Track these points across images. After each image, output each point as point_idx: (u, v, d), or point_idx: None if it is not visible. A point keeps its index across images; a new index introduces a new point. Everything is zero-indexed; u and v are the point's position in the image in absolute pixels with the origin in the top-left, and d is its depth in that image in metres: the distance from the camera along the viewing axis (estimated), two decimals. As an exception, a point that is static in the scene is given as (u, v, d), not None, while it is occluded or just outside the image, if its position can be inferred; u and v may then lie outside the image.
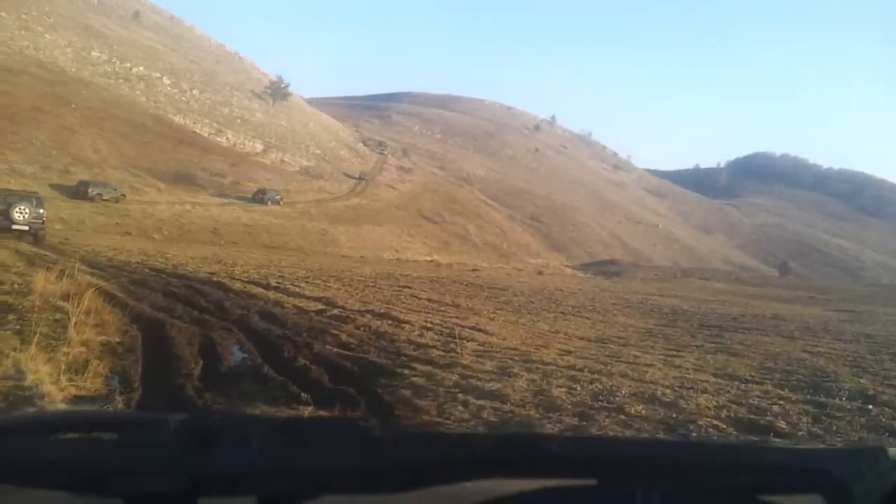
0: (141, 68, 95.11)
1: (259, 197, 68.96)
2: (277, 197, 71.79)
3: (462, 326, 13.05)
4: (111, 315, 10.17)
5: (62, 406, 5.74)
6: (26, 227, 24.85)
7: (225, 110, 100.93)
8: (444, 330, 12.33)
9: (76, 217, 45.85)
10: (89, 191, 51.67)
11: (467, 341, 11.20)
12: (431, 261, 58.14)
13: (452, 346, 10.55)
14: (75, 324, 8.20)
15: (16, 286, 11.67)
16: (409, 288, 22.61)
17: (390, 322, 12.95)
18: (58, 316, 9.16)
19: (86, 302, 9.29)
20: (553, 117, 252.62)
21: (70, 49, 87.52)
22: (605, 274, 78.28)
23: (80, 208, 48.06)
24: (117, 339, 8.60)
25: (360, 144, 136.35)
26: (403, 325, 12.69)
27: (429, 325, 12.88)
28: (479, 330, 13.08)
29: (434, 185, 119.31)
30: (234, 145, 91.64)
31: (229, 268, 24.19)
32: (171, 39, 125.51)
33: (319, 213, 73.59)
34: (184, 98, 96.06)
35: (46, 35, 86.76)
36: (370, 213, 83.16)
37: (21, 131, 58.73)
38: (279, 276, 22.06)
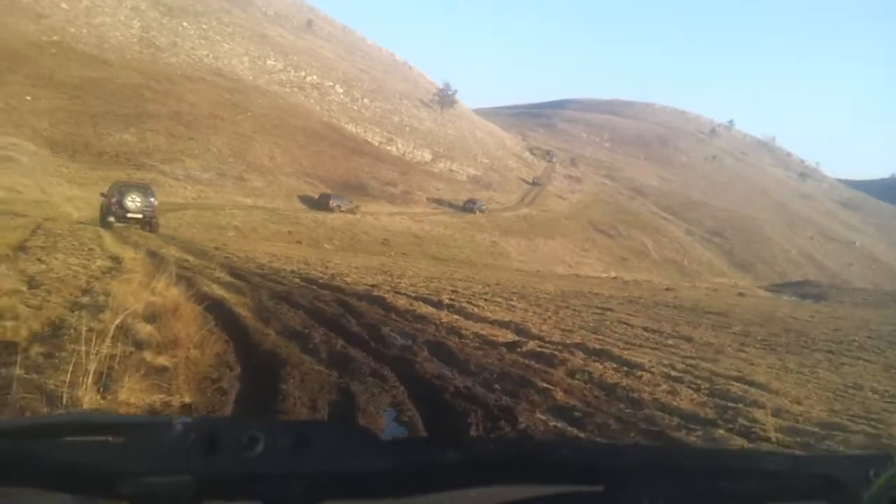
0: (315, 77, 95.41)
1: (469, 206, 67.65)
2: (484, 206, 70.82)
3: (720, 376, 9.00)
4: (205, 349, 6.84)
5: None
6: (140, 216, 25.96)
7: (395, 119, 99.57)
8: (699, 383, 8.31)
9: (249, 224, 44.22)
10: (330, 202, 56.38)
11: (750, 407, 7.15)
12: (615, 277, 51.98)
13: (739, 419, 6.70)
14: (138, 364, 5.39)
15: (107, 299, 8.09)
16: (611, 311, 18.06)
17: (614, 365, 9.07)
18: (130, 348, 6.03)
19: (179, 324, 6.80)
20: (731, 121, 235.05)
21: (247, 58, 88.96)
22: (802, 296, 68.70)
23: (252, 216, 46.22)
24: (188, 397, 5.29)
25: (527, 153, 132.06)
26: (635, 370, 8.78)
27: (672, 373, 8.87)
28: (749, 382, 8.71)
29: (605, 196, 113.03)
30: (404, 154, 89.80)
31: (395, 280, 20.92)
32: (344, 48, 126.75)
33: (489, 224, 69.55)
34: (355, 107, 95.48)
35: (225, 44, 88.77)
36: (541, 225, 78.41)
37: (199, 138, 58.67)
38: (452, 292, 18.30)
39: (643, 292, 34.95)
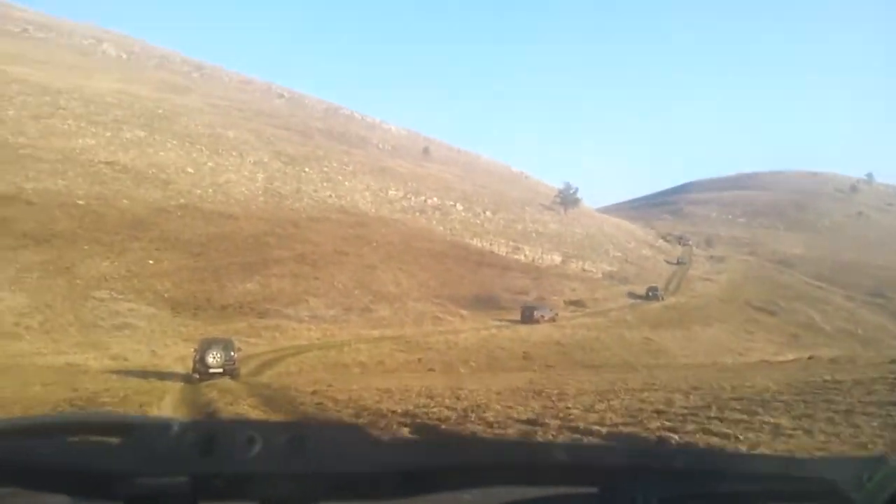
0: (435, 199, 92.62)
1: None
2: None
3: None
4: None
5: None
6: (220, 370, 26.37)
7: (519, 227, 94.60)
8: None
9: (375, 357, 39.00)
10: (535, 314, 55.00)
11: None
12: (810, 357, 42.42)
13: None
14: None
15: None
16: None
17: None
18: None
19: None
20: (870, 174, 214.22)
21: (368, 192, 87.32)
22: None
23: (379, 348, 41.16)
24: None
25: (661, 241, 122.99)
26: None
27: None
28: None
29: (752, 272, 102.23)
30: (533, 260, 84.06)
31: (557, 405, 13.79)
32: (461, 168, 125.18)
33: (636, 319, 61.55)
34: (478, 221, 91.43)
35: (346, 182, 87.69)
36: (693, 312, 69.48)
37: (323, 275, 55.28)
38: (657, 413, 11.43)
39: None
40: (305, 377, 27.43)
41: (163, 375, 28.07)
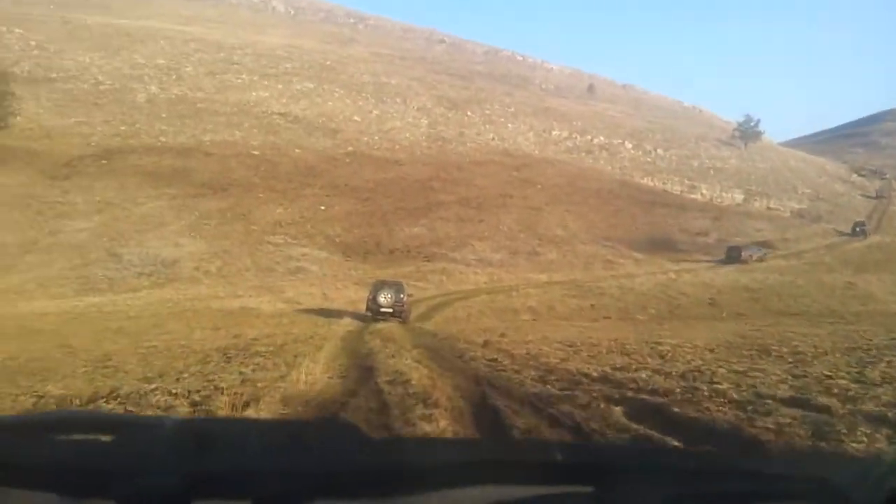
0: (601, 138, 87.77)
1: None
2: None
3: None
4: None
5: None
6: (390, 310, 26.74)
7: (694, 163, 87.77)
8: None
9: (545, 303, 36.51)
10: (742, 254, 51.79)
11: None
12: None
13: None
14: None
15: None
16: None
17: None
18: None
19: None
20: None
21: (531, 133, 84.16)
22: None
23: (548, 293, 38.83)
24: None
25: (854, 176, 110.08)
26: None
27: None
28: None
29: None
30: (711, 199, 77.61)
31: (806, 370, 10.30)
32: (628, 105, 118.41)
33: (836, 261, 54.53)
34: (648, 159, 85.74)
35: (509, 125, 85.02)
36: (899, 251, 60.71)
37: (488, 219, 53.30)
38: None
39: None
40: (474, 324, 25.39)
41: (331, 318, 27.31)
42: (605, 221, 59.21)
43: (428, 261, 44.94)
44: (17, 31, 74.88)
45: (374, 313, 26.85)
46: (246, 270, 39.52)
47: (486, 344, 15.84)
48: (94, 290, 35.29)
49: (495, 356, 13.15)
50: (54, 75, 67.19)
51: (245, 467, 1.27)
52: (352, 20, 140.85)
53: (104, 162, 51.88)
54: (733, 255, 51.94)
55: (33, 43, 73.49)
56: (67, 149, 53.20)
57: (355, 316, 27.72)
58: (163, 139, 58.45)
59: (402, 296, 27.42)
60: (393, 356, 13.19)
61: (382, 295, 27.12)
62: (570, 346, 15.03)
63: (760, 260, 52.62)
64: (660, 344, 15.57)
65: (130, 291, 35.10)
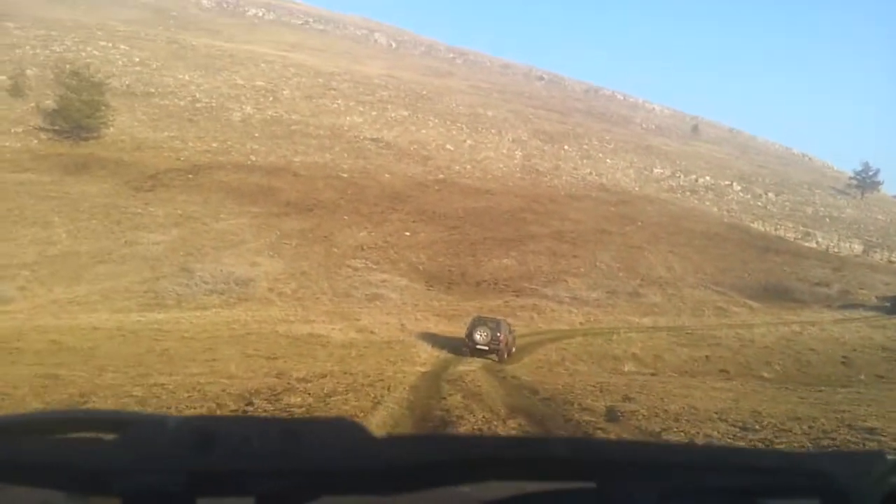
0: (707, 178, 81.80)
1: None
2: None
3: None
4: None
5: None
6: (486, 347, 26.00)
7: (808, 210, 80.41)
8: None
9: (651, 350, 31.62)
10: None
11: None
12: None
13: None
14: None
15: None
16: None
17: None
18: None
19: None
20: None
21: (631, 170, 79.07)
22: None
23: (653, 339, 33.83)
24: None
25: None
26: None
27: None
28: None
29: None
30: (828, 248, 69.96)
31: None
32: (734, 148, 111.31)
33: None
34: (759, 203, 79.00)
35: (607, 160, 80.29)
36: None
37: (583, 255, 48.60)
38: None
39: None
40: (581, 379, 20.71)
41: (405, 353, 23.28)
42: (714, 265, 53.35)
43: (517, 295, 40.56)
44: (122, 47, 75.93)
45: (471, 351, 26.15)
46: (322, 294, 36.21)
47: (611, 413, 11.29)
48: (160, 305, 32.65)
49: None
50: (153, 90, 67.13)
51: (248, 465, 1.24)
52: (451, 55, 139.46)
53: (190, 176, 50.24)
54: None
55: (136, 59, 74.20)
56: (156, 162, 51.97)
57: (431, 354, 23.73)
58: (253, 158, 56.73)
59: (498, 334, 26.40)
60: (479, 424, 8.92)
61: (479, 332, 26.34)
62: (742, 427, 10.30)
63: None
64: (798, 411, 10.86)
65: (199, 309, 32.26)
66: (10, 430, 1.46)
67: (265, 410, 9.40)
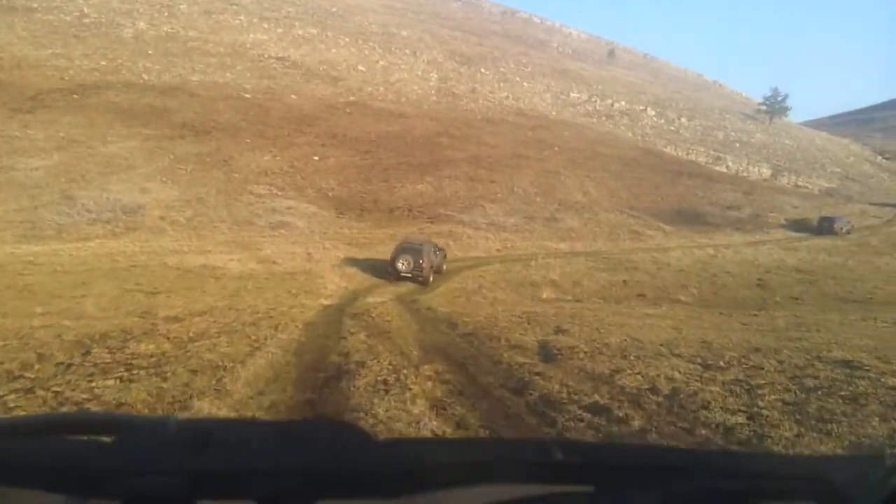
0: (623, 103, 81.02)
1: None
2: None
3: None
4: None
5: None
6: (409, 275, 25.88)
7: (719, 135, 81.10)
8: None
9: (570, 276, 30.54)
10: (835, 225, 49.70)
11: None
12: None
13: None
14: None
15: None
16: None
17: None
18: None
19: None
20: None
21: (548, 94, 77.42)
22: None
23: (572, 264, 32.81)
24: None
25: (880, 158, 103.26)
26: None
27: None
28: None
29: None
30: (737, 172, 70.92)
31: None
32: (648, 74, 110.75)
33: (882, 243, 48.28)
34: (672, 127, 79.03)
35: (525, 83, 78.27)
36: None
37: (501, 180, 47.01)
38: None
39: None
40: (503, 309, 18.99)
41: (308, 285, 21.19)
42: (629, 189, 52.86)
43: (432, 222, 38.76)
44: (-3, -44, 67.84)
45: (394, 277, 26.09)
46: (220, 222, 33.36)
47: (545, 351, 9.55)
48: (38, 237, 29.18)
49: (590, 391, 7.03)
50: (35, 5, 60.41)
51: (248, 467, 1.24)
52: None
53: (76, 97, 45.45)
54: (825, 227, 49.56)
55: (15, -31, 66.51)
56: (38, 81, 46.74)
57: (339, 285, 21.75)
58: (145, 76, 51.91)
59: (421, 261, 26.18)
60: (385, 387, 7.01)
61: (401, 260, 26.19)
62: (703, 364, 8.78)
63: (848, 232, 49.72)
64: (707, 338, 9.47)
65: (81, 240, 29.03)
66: (7, 432, 1.41)
67: (101, 362, 7.27)
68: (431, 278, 26.76)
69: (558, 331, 11.84)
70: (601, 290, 28.91)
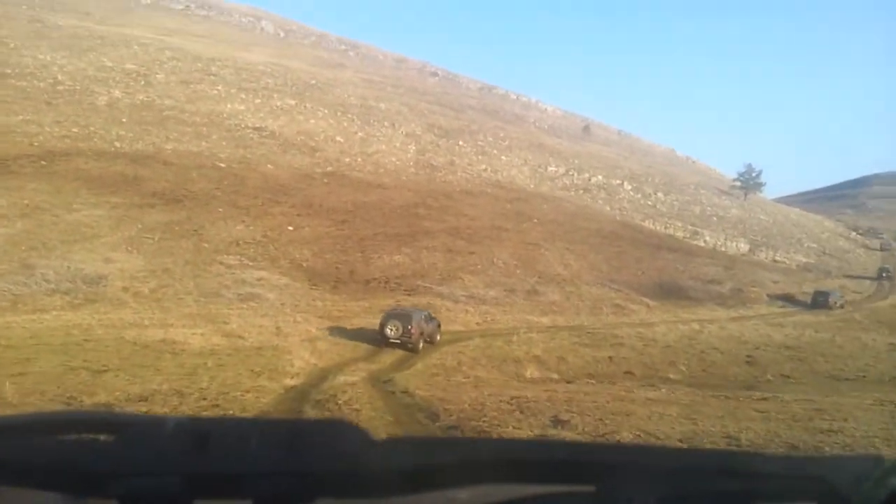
0: (600, 177, 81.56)
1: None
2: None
3: None
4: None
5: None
6: (398, 341, 25.74)
7: (696, 209, 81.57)
8: None
9: (553, 351, 29.21)
10: (829, 299, 49.52)
11: None
12: None
13: None
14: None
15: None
16: None
17: None
18: None
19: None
20: None
21: (526, 167, 77.74)
22: None
23: (555, 339, 31.44)
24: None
25: (853, 233, 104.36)
26: None
27: None
28: None
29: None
30: (715, 247, 70.67)
31: None
32: (623, 149, 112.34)
33: (867, 319, 47.51)
34: (649, 202, 79.35)
35: (503, 157, 78.58)
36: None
37: (480, 251, 45.98)
38: None
39: None
40: (490, 392, 17.41)
41: (274, 362, 19.53)
42: (609, 263, 52.03)
43: (409, 294, 37.31)
44: (-26, 24, 67.47)
45: (384, 343, 26.03)
46: (186, 294, 31.62)
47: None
48: (-11, 308, 27.26)
49: None
50: (8, 71, 59.47)
51: (246, 467, 1.23)
52: (343, 47, 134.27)
53: (44, 163, 43.98)
54: (820, 301, 49.47)
55: (-10, 38, 66.02)
56: (5, 147, 45.23)
57: (308, 361, 20.10)
58: (118, 144, 50.73)
59: (409, 326, 25.93)
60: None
61: (390, 326, 25.99)
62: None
63: (842, 306, 49.87)
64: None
65: (36, 312, 27.05)
66: (5, 431, 1.39)
67: None
68: (421, 345, 26.40)
69: (557, 422, 10.40)
70: (587, 367, 27.48)
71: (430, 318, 28.26)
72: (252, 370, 17.68)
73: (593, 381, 20.42)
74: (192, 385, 13.44)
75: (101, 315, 27.02)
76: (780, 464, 1.73)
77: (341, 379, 16.76)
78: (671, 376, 26.53)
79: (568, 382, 20.62)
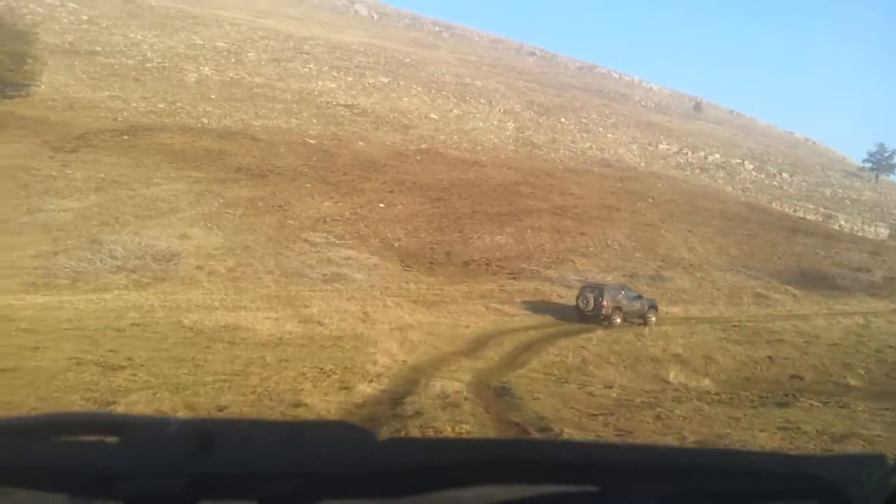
0: (717, 156, 74.04)
1: None
2: None
3: None
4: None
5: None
6: (591, 314, 25.77)
7: (826, 192, 72.86)
8: None
9: (697, 349, 23.80)
10: None
11: None
12: None
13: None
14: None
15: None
16: None
17: None
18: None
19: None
20: None
21: (635, 145, 71.10)
22: None
23: (696, 334, 26.07)
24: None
25: None
26: None
27: None
28: None
29: None
30: (853, 230, 62.09)
31: None
32: (737, 129, 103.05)
33: None
34: (774, 183, 71.34)
35: (608, 135, 72.22)
36: None
37: (591, 232, 40.54)
38: None
39: None
40: (621, 394, 12.31)
41: (354, 360, 15.04)
42: (739, 247, 45.42)
43: (514, 278, 32.42)
44: (70, 5, 66.76)
45: (581, 317, 25.98)
46: (266, 274, 27.79)
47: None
48: (48, 285, 23.96)
49: None
50: (98, 49, 58.20)
51: (250, 468, 1.22)
52: (437, 28, 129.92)
53: (126, 137, 41.55)
54: None
55: (85, 17, 65.10)
56: (87, 122, 43.21)
57: (395, 357, 15.57)
58: (205, 120, 48.11)
59: (601, 300, 25.71)
60: None
61: (581, 298, 26.12)
62: None
63: None
64: None
65: (97, 291, 23.69)
66: (11, 432, 1.37)
67: None
68: (618, 321, 26.24)
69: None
70: (742, 369, 21.91)
71: (637, 297, 27.95)
72: (321, 369, 13.27)
73: (756, 400, 14.64)
74: (225, 391, 9.16)
75: (167, 296, 23.41)
76: (781, 464, 1.68)
77: (437, 386, 12.05)
78: (851, 382, 20.61)
79: (730, 395, 15.01)
